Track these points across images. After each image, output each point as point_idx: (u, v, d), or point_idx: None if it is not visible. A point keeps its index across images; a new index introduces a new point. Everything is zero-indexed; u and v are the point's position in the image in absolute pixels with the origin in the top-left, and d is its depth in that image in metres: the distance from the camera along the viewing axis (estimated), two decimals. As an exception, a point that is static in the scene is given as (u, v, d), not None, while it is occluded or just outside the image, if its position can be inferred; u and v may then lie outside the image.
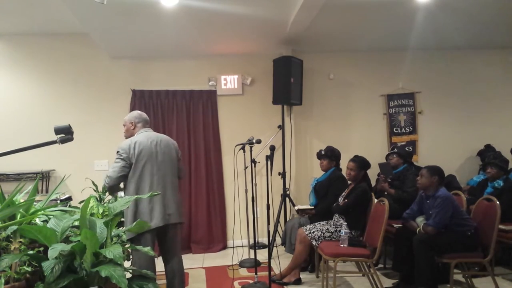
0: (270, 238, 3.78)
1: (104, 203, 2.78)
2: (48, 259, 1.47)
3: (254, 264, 3.65)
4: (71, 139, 1.72)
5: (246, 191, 4.57)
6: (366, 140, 5.37)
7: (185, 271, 3.11)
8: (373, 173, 4.38)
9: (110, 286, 1.57)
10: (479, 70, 5.60)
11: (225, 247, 5.07)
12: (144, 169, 2.84)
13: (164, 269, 2.99)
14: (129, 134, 3.05)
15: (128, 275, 1.71)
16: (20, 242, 1.57)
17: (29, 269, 1.52)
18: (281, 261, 3.93)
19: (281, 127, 4.98)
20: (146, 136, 2.94)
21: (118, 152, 2.87)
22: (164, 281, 3.03)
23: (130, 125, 3.05)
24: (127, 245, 2.37)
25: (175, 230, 2.95)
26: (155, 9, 3.62)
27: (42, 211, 1.81)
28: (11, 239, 1.57)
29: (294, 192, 5.10)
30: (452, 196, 3.35)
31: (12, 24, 4.47)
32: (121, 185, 2.90)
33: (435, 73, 5.55)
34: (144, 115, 3.11)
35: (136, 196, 2.19)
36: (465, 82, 5.58)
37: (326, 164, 4.13)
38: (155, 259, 2.93)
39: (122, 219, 2.74)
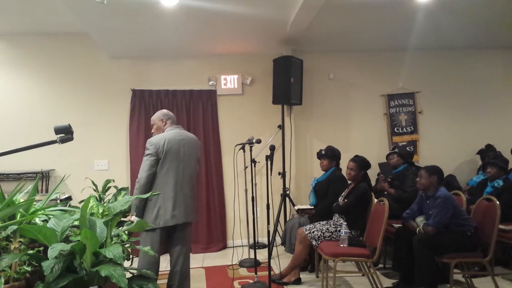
0: (270, 238, 3.78)
1: (104, 203, 2.78)
2: (48, 259, 1.47)
3: (254, 264, 3.64)
4: (71, 139, 1.71)
5: (246, 191, 4.57)
6: (366, 140, 5.37)
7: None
8: (373, 173, 4.38)
9: (110, 285, 1.57)
10: (479, 70, 5.60)
11: (225, 247, 5.07)
12: (171, 166, 2.90)
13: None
14: (159, 131, 3.09)
15: (128, 274, 1.71)
16: (20, 241, 1.57)
17: (29, 268, 1.52)
18: (281, 261, 3.93)
19: (281, 127, 4.98)
20: (176, 134, 3.00)
21: (147, 148, 2.90)
22: (164, 281, 3.04)
23: (160, 122, 3.09)
24: (127, 245, 2.37)
25: (183, 230, 3.00)
26: (155, 9, 3.62)
27: (42, 211, 1.81)
28: (11, 239, 1.57)
29: (294, 192, 5.10)
30: (452, 196, 3.34)
31: (12, 24, 4.48)
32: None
33: (435, 73, 5.55)
34: (173, 115, 3.16)
35: (136, 196, 2.19)
36: (465, 82, 5.58)
37: (327, 164, 4.13)
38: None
39: (122, 219, 2.74)
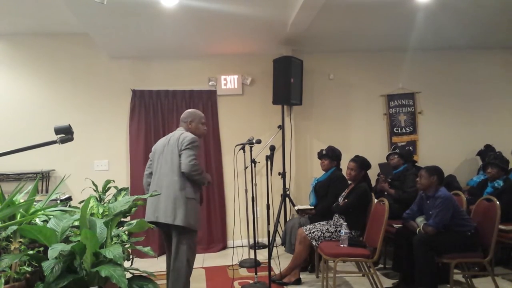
0: (270, 238, 3.78)
1: (104, 203, 2.78)
2: (48, 259, 1.47)
3: (254, 264, 3.64)
4: (71, 139, 1.71)
5: (246, 191, 4.57)
6: (366, 140, 5.38)
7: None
8: (373, 173, 4.38)
9: (110, 286, 1.57)
10: (479, 70, 5.60)
11: (225, 247, 5.07)
12: (153, 167, 3.09)
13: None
14: None
15: (128, 275, 1.71)
16: (20, 242, 1.57)
17: (29, 269, 1.52)
18: (281, 261, 3.93)
19: (281, 127, 4.98)
20: (166, 137, 3.15)
21: None
22: (164, 281, 3.05)
23: None
24: (127, 245, 2.37)
25: (169, 230, 2.99)
26: (155, 9, 3.62)
27: (42, 211, 1.81)
28: (11, 239, 1.57)
29: (294, 192, 5.10)
30: (452, 196, 3.34)
31: (12, 24, 4.48)
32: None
33: (435, 73, 5.55)
34: (183, 115, 3.21)
35: (136, 196, 2.18)
36: (465, 82, 5.58)
37: (327, 164, 4.13)
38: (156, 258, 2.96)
39: (122, 219, 2.74)
